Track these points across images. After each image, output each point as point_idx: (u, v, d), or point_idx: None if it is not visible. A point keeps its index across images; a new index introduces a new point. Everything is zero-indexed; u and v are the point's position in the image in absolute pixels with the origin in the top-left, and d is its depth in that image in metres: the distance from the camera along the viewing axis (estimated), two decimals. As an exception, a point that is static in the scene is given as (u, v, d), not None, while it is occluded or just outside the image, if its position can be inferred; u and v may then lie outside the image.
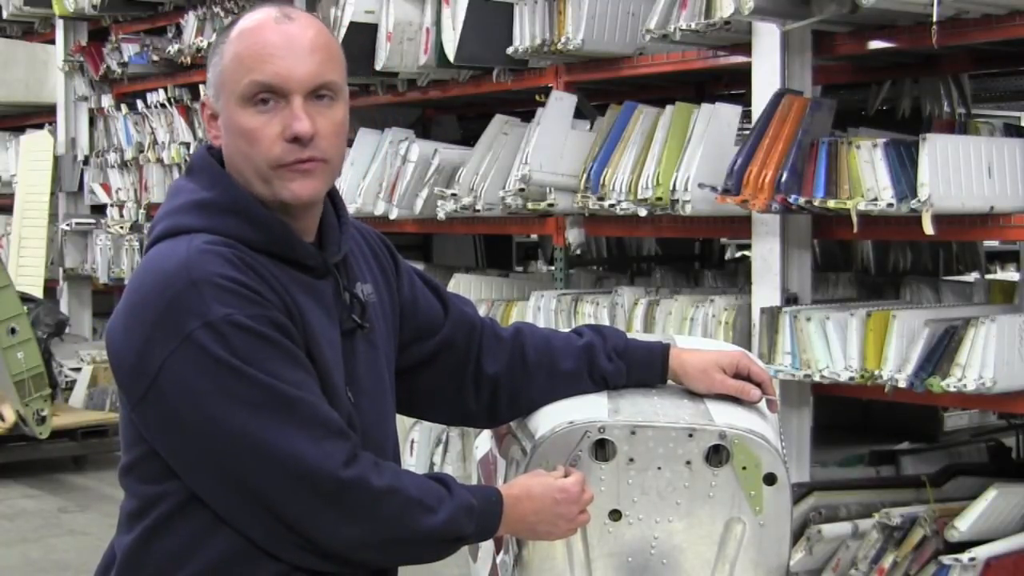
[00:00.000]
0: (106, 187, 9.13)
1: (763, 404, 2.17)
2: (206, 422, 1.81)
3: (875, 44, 4.87)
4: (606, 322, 5.38)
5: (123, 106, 8.91)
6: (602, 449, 2.04)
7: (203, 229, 1.88)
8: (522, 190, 5.53)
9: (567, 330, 2.29)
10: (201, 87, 7.98)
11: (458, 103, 7.63)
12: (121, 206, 8.96)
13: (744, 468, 2.03)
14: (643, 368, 2.19)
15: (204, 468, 1.84)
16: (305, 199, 1.92)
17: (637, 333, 3.95)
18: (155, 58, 8.42)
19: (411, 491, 1.87)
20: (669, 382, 2.20)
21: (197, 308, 1.80)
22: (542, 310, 5.69)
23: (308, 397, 1.83)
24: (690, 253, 8.13)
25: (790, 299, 4.88)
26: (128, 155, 8.82)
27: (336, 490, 1.82)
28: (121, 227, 8.78)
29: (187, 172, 1.99)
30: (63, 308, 9.40)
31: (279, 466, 1.80)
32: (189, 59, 7.95)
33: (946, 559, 4.33)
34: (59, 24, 9.48)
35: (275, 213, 1.93)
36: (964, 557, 4.27)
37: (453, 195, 5.89)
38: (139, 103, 8.71)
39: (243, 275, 1.84)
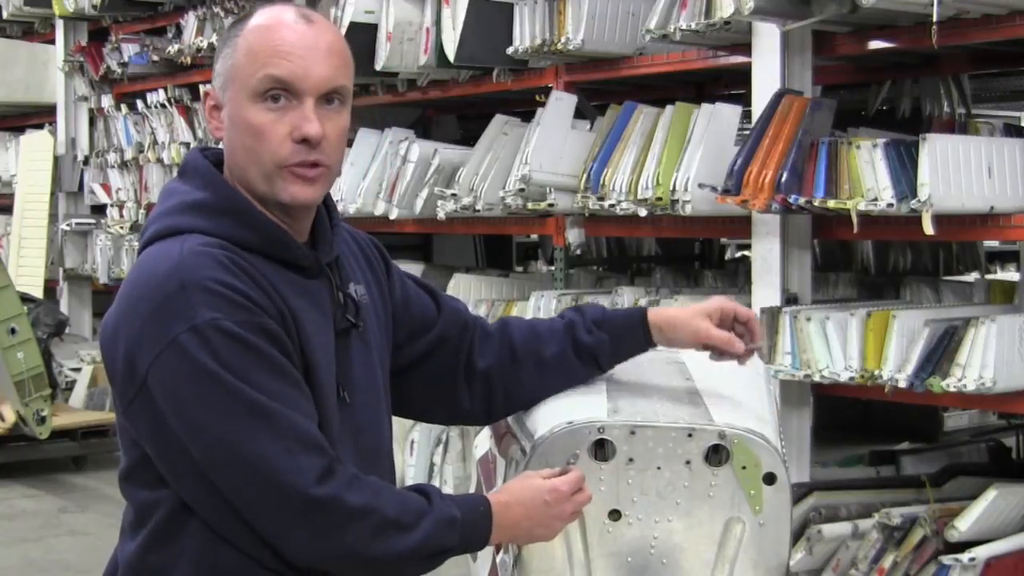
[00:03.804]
0: (106, 187, 9.12)
1: (762, 404, 2.17)
2: (187, 428, 1.80)
3: (875, 44, 4.87)
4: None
5: (123, 106, 8.90)
6: (602, 449, 2.04)
7: (197, 230, 1.87)
8: (522, 190, 5.53)
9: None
10: (201, 87, 8.00)
11: (458, 103, 7.61)
12: (121, 206, 8.95)
13: (744, 468, 2.03)
14: (625, 334, 2.18)
15: (188, 473, 1.84)
16: (303, 203, 1.93)
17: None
18: (155, 58, 8.41)
19: (387, 511, 1.84)
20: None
21: (184, 312, 1.79)
22: (542, 310, 5.68)
23: (285, 410, 1.81)
24: (690, 253, 8.13)
25: (790, 299, 4.87)
26: (128, 155, 8.81)
27: (305, 507, 1.80)
28: (121, 227, 8.77)
29: (179, 175, 1.98)
30: (63, 308, 9.38)
31: (251, 476, 1.79)
32: (189, 59, 7.94)
33: (946, 559, 4.33)
34: (59, 24, 9.47)
35: (271, 212, 1.92)
36: (964, 557, 4.27)
37: (453, 195, 5.88)
38: (139, 103, 8.70)
39: (235, 279, 1.82)
